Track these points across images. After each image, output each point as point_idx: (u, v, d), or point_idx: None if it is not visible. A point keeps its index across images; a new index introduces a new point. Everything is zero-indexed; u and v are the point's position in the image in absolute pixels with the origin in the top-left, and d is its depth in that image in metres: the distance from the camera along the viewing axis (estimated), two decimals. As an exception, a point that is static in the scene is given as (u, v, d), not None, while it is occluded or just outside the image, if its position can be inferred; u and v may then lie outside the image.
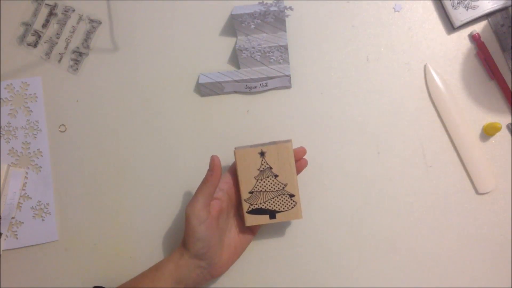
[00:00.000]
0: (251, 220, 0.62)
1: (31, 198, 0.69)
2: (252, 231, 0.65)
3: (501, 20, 0.67)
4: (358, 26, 0.70)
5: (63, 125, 0.70)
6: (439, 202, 0.67)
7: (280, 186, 0.61)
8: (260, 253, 0.67)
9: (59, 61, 0.71)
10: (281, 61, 0.68)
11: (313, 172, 0.67)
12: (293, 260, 0.67)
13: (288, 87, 0.69)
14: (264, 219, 0.62)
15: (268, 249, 0.67)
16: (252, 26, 0.65)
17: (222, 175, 0.62)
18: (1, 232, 0.68)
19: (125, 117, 0.70)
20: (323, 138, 0.68)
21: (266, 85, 0.68)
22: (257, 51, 0.67)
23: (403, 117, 0.68)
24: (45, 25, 0.71)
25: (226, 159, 0.65)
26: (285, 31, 0.68)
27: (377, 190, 0.67)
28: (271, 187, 0.61)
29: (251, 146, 0.61)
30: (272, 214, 0.62)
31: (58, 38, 0.71)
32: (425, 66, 0.68)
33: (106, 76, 0.71)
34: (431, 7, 0.69)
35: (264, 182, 0.61)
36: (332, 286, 0.66)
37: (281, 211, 0.62)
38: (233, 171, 0.63)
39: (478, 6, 0.67)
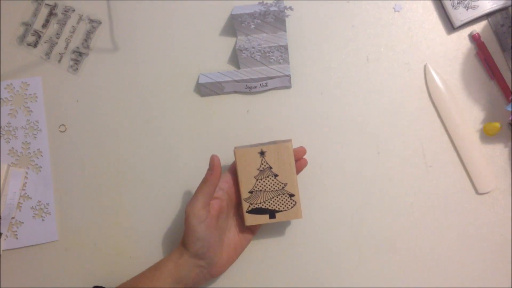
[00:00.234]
0: (251, 219, 0.62)
1: (31, 198, 0.69)
2: (252, 231, 0.65)
3: (501, 20, 0.67)
4: (358, 26, 0.70)
5: (63, 125, 0.70)
6: (439, 202, 0.67)
7: (280, 185, 0.61)
8: (260, 253, 0.67)
9: (59, 61, 0.71)
10: (281, 61, 0.68)
11: (313, 172, 0.67)
12: (293, 260, 0.67)
13: (288, 87, 0.69)
14: (264, 218, 0.62)
15: (268, 249, 0.67)
16: (252, 26, 0.65)
17: (222, 175, 0.62)
18: (1, 232, 0.68)
19: (125, 117, 0.70)
20: (323, 138, 0.68)
21: (266, 85, 0.68)
22: (257, 51, 0.67)
23: (403, 117, 0.68)
24: (45, 25, 0.71)
25: (226, 159, 0.65)
26: (285, 31, 0.68)
27: (377, 190, 0.67)
28: (271, 186, 0.61)
29: (251, 146, 0.61)
30: (272, 213, 0.62)
31: (58, 38, 0.71)
32: (425, 66, 0.69)
33: (106, 76, 0.71)
34: (431, 7, 0.69)
35: (264, 181, 0.61)
36: (332, 286, 0.66)
37: (281, 211, 0.62)
38: (233, 170, 0.63)
39: (478, 6, 0.67)
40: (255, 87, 0.68)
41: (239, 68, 0.69)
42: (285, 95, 0.69)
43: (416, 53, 0.69)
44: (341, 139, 0.68)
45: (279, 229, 0.67)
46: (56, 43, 0.71)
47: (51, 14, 0.72)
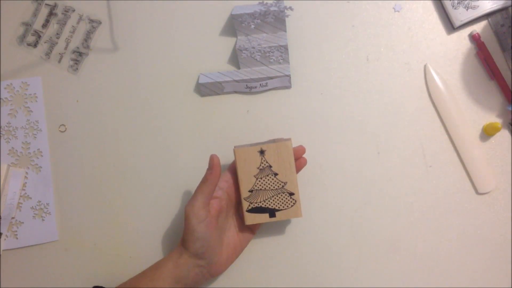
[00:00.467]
0: (251, 218, 0.62)
1: (31, 198, 0.69)
2: (252, 230, 0.65)
3: (501, 20, 0.68)
4: (358, 26, 0.70)
5: (63, 125, 0.70)
6: (439, 202, 0.67)
7: (280, 184, 0.61)
8: (260, 252, 0.67)
9: (59, 61, 0.71)
10: (281, 61, 0.68)
11: (313, 172, 0.67)
12: (293, 260, 0.67)
13: (288, 87, 0.69)
14: (263, 217, 0.62)
15: (267, 249, 0.67)
16: (252, 26, 0.65)
17: (222, 174, 0.62)
18: (1, 232, 0.68)
19: (125, 117, 0.70)
20: (323, 138, 0.68)
21: (266, 85, 0.68)
22: (257, 51, 0.67)
23: (403, 117, 0.68)
24: (45, 25, 0.72)
25: (226, 159, 0.65)
26: (285, 31, 0.68)
27: (377, 190, 0.67)
28: (271, 185, 0.61)
29: (251, 145, 0.61)
30: (272, 212, 0.62)
31: (58, 38, 0.71)
32: (425, 66, 0.69)
33: (106, 76, 0.71)
34: (431, 7, 0.70)
35: (263, 180, 0.61)
36: (332, 286, 0.66)
37: (281, 210, 0.62)
38: (232, 169, 0.63)
39: (478, 6, 0.67)
40: (255, 87, 0.68)
41: (239, 68, 0.69)
42: (285, 95, 0.69)
43: (416, 53, 0.69)
44: (341, 139, 0.68)
45: (279, 229, 0.67)
46: (56, 43, 0.71)
47: (51, 14, 0.72)
